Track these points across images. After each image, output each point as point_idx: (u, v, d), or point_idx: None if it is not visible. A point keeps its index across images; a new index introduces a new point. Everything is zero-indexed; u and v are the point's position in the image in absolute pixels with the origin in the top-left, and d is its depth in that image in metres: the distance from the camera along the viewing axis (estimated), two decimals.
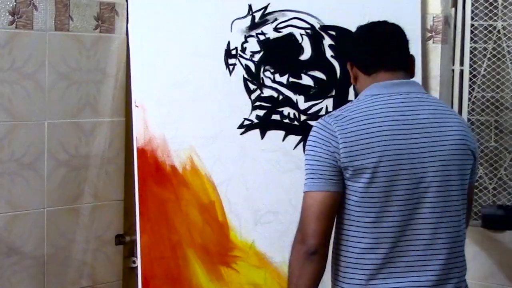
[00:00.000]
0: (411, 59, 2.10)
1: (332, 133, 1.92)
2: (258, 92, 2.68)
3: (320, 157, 1.92)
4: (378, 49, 2.05)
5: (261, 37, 2.67)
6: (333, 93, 2.67)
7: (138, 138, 2.66)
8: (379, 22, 2.13)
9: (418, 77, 2.61)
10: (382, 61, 2.02)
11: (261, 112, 2.68)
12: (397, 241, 1.90)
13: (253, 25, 2.66)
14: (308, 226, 1.92)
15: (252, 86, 2.68)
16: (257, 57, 2.67)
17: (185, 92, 2.67)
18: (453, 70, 2.76)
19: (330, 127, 1.93)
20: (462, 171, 1.97)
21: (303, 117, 2.67)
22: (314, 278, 1.94)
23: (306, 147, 1.97)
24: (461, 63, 2.74)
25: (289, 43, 2.66)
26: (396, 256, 1.91)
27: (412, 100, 1.98)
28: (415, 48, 2.60)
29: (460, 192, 1.96)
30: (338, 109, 2.01)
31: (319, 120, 1.98)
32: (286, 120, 2.67)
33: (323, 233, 1.91)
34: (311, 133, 1.97)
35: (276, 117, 2.67)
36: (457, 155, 1.96)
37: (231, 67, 2.67)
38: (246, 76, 2.67)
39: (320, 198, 1.91)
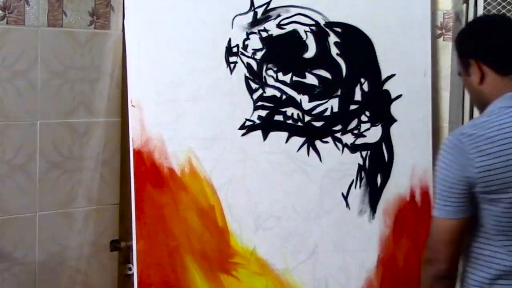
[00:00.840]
0: None
1: (466, 155, 1.86)
2: (260, 91, 2.65)
3: (452, 182, 1.89)
4: None
5: (264, 34, 2.64)
6: (339, 92, 2.66)
7: (135, 139, 2.62)
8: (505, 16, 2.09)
9: (427, 76, 2.64)
10: None
11: (263, 113, 2.65)
12: None
13: (255, 22, 2.64)
14: (437, 252, 1.94)
15: (254, 85, 2.65)
16: (259, 55, 2.64)
17: (184, 91, 2.64)
18: None
19: (465, 148, 1.86)
20: None
21: (307, 118, 2.65)
22: None
23: (437, 165, 1.92)
24: None
25: (292, 40, 2.65)
26: None
27: None
28: (424, 46, 2.64)
29: None
30: (470, 123, 1.93)
31: (451, 138, 1.91)
32: (290, 121, 2.65)
33: (452, 259, 1.94)
34: (442, 150, 1.91)
35: (279, 117, 2.65)
36: None
37: (232, 65, 2.64)
38: (247, 74, 2.65)
39: (449, 226, 1.91)
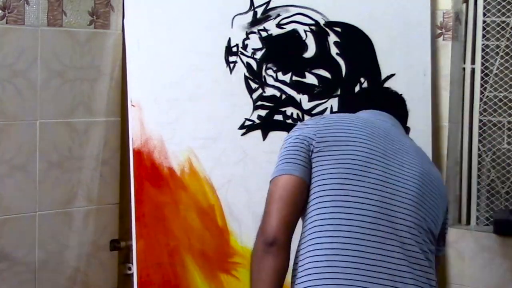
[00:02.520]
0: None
1: (306, 127, 1.88)
2: (260, 91, 2.64)
3: (290, 145, 1.85)
4: None
5: (263, 34, 2.63)
6: (338, 92, 2.63)
7: (134, 139, 2.62)
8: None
9: (427, 76, 2.62)
10: None
11: (263, 112, 2.63)
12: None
13: (255, 21, 2.63)
14: (266, 214, 1.79)
15: (253, 85, 2.64)
16: (259, 55, 2.63)
17: (184, 91, 2.64)
18: (464, 69, 2.71)
19: (305, 125, 1.91)
20: (437, 206, 1.89)
21: (306, 118, 2.62)
22: (274, 273, 1.75)
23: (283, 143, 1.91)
24: (473, 61, 2.69)
25: (292, 40, 2.62)
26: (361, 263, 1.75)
27: (388, 126, 1.99)
28: (424, 45, 2.62)
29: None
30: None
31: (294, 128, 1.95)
32: (289, 121, 2.62)
33: (282, 220, 1.76)
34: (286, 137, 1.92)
35: (278, 117, 2.63)
36: (435, 188, 1.91)
37: (231, 65, 2.63)
38: (247, 74, 2.64)
39: (282, 183, 1.81)
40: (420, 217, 1.83)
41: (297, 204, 1.81)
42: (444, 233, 2.01)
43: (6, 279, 2.57)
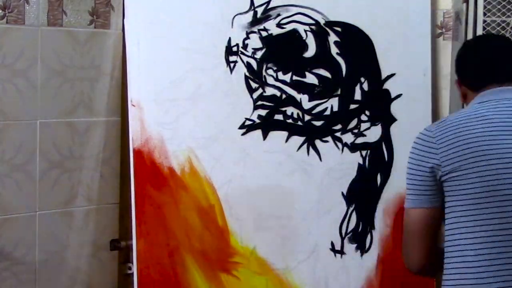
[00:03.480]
0: None
1: (431, 145, 1.93)
2: (260, 90, 2.63)
3: (417, 173, 1.94)
4: (485, 64, 2.03)
5: (264, 33, 2.62)
6: (339, 92, 2.64)
7: (135, 138, 2.60)
8: (485, 35, 2.18)
9: (427, 76, 2.61)
10: (491, 76, 2.00)
11: (263, 112, 2.63)
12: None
13: (255, 21, 2.62)
14: (406, 247, 2.00)
15: (254, 85, 2.63)
16: (259, 54, 2.62)
17: (184, 91, 2.62)
18: None
19: (431, 137, 1.94)
20: None
21: (307, 117, 2.63)
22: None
23: (408, 159, 1.98)
24: None
25: (292, 40, 2.62)
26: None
27: None
28: (424, 45, 2.62)
29: None
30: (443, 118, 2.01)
31: (423, 130, 1.99)
32: (290, 120, 2.62)
33: (422, 254, 1.97)
34: (413, 144, 1.98)
35: (279, 117, 2.63)
36: None
37: (232, 65, 2.62)
38: (247, 74, 2.63)
39: (415, 217, 1.95)
40: None
41: (434, 233, 1.97)
42: None
43: (6, 279, 2.55)
